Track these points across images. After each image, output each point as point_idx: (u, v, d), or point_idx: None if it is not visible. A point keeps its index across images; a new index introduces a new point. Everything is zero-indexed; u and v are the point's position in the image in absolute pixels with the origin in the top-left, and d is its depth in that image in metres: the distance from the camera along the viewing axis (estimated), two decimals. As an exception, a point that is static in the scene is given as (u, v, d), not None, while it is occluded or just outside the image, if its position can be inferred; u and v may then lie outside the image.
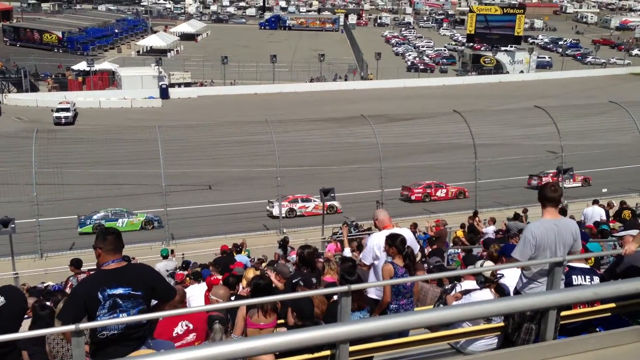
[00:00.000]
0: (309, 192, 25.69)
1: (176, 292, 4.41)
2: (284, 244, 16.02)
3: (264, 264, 13.29)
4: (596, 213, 15.03)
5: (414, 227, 15.92)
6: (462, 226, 17.03)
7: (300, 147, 30.90)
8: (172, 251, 17.48)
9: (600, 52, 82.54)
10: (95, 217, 25.02)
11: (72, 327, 3.56)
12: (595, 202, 17.01)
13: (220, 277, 9.11)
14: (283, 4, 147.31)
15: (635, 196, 24.15)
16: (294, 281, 6.51)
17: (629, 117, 26.87)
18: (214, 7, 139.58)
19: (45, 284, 14.78)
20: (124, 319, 3.98)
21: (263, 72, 62.88)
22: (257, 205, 25.99)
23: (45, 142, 24.39)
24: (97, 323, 3.96)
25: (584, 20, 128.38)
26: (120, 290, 4.04)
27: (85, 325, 3.78)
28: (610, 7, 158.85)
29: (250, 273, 8.31)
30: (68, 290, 10.47)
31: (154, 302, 4.33)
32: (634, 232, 6.24)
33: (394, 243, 5.98)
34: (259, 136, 27.20)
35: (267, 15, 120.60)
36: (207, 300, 6.91)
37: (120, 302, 4.02)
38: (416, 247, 7.13)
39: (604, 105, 30.78)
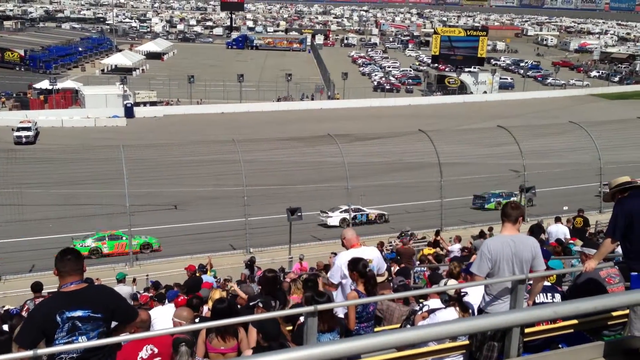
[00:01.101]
0: (275, 211, 25.56)
1: (138, 314, 4.30)
2: (250, 264, 15.87)
3: (230, 284, 13.14)
4: (560, 231, 15.23)
5: (380, 246, 15.97)
6: (429, 244, 17.16)
7: (267, 166, 30.83)
8: (134, 279, 17.10)
9: (560, 73, 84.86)
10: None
11: (29, 352, 3.45)
12: (558, 219, 17.29)
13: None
14: (250, 23, 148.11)
15: (595, 214, 24.71)
16: (251, 303, 6.44)
17: (588, 137, 27.61)
18: (180, 26, 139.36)
19: (3, 308, 14.32)
20: (83, 343, 3.87)
21: (230, 92, 62.79)
22: (224, 225, 25.75)
23: (5, 162, 23.85)
24: (54, 349, 3.84)
25: (545, 42, 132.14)
26: (79, 313, 3.93)
27: (43, 351, 3.66)
28: (569, 30, 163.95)
29: (217, 294, 8.19)
30: (24, 314, 10.15)
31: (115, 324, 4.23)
32: (591, 250, 6.36)
33: (356, 268, 5.95)
34: (225, 155, 27.06)
35: (235, 34, 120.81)
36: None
37: (80, 325, 3.92)
38: (383, 266, 7.14)
39: (564, 126, 31.59)
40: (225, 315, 5.60)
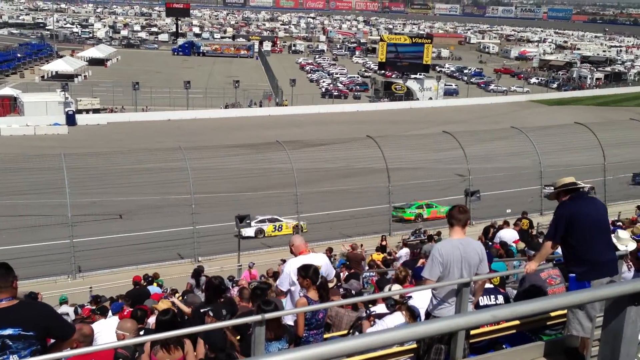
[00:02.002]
0: (224, 219, 25.27)
1: (74, 330, 4.14)
2: (197, 273, 15.61)
3: (177, 295, 12.89)
4: (510, 235, 15.59)
5: (329, 252, 16.00)
6: (378, 249, 17.30)
7: (215, 173, 30.45)
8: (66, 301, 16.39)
9: (501, 80, 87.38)
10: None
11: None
12: (507, 223, 17.77)
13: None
14: (197, 30, 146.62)
15: (536, 216, 25.50)
16: (202, 310, 6.32)
17: (529, 141, 28.50)
18: (124, 32, 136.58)
19: None
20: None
21: (176, 98, 61.86)
22: (171, 233, 25.29)
23: (-63, 172, 22.73)
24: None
25: (487, 50, 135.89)
26: (9, 331, 3.75)
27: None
28: (509, 38, 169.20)
29: (163, 305, 8.01)
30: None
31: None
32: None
33: (308, 274, 5.92)
34: (172, 163, 26.61)
35: (181, 41, 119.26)
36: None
37: (10, 344, 3.74)
38: (332, 272, 7.15)
39: (506, 131, 32.52)
40: (170, 326, 5.47)
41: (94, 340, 6.47)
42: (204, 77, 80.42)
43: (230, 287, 13.80)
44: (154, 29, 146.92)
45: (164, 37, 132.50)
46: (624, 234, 6.48)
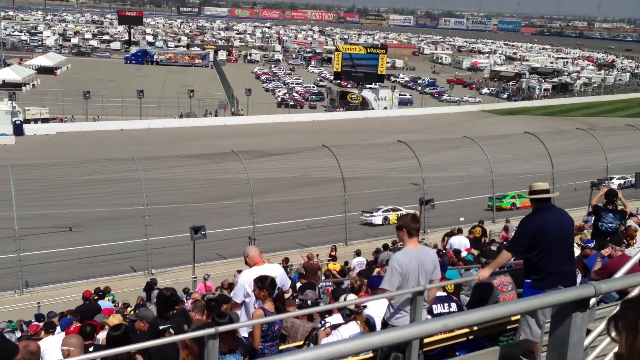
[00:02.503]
0: (178, 230, 24.86)
1: (17, 350, 3.97)
2: (149, 286, 15.28)
3: (129, 309, 12.58)
4: (462, 242, 15.82)
5: (285, 262, 15.92)
6: (333, 258, 17.31)
7: (169, 184, 29.98)
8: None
9: (454, 90, 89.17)
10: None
11: None
12: (460, 231, 18.03)
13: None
14: (150, 38, 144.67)
15: (488, 223, 25.99)
16: (161, 327, 6.16)
17: (481, 150, 29.10)
18: (75, 40, 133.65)
19: None
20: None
21: (129, 108, 60.77)
22: (124, 246, 24.73)
23: None
24: None
25: (440, 61, 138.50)
26: None
27: None
28: (461, 49, 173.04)
29: (115, 320, 7.80)
30: None
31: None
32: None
33: (264, 286, 5.86)
34: (124, 174, 26.06)
35: (133, 49, 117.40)
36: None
37: None
38: (287, 283, 7.10)
39: (459, 140, 33.11)
40: (121, 342, 5.32)
41: (40, 357, 6.24)
42: (158, 86, 79.33)
43: (185, 300, 13.57)
44: (106, 37, 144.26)
45: (116, 45, 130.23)
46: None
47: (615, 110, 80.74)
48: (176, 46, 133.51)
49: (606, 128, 45.40)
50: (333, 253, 18.79)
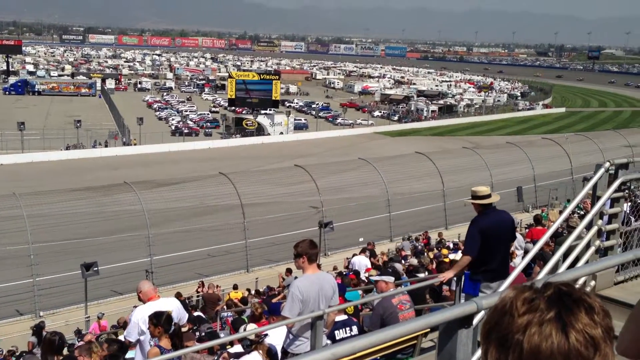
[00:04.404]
0: (69, 268, 23.44)
1: None
2: (38, 329, 14.23)
3: (14, 357, 11.61)
4: (362, 263, 16.00)
5: (180, 296, 15.40)
6: (235, 287, 17.00)
7: (57, 219, 28.25)
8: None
9: (347, 114, 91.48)
10: None
11: None
12: (363, 251, 18.31)
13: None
14: (31, 67, 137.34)
15: (386, 242, 26.69)
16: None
17: (376, 171, 29.95)
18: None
19: None
20: None
21: (9, 141, 57.01)
22: (7, 288, 22.91)
23: None
24: None
25: (332, 85, 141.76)
26: None
27: None
28: (352, 74, 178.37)
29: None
30: None
31: None
32: (388, 278, 6.75)
33: (160, 322, 5.60)
34: (5, 211, 24.26)
35: (12, 79, 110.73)
36: None
37: None
38: (184, 317, 6.83)
39: (354, 162, 33.93)
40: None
41: None
42: (41, 117, 75.24)
43: (76, 342, 12.77)
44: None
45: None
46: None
47: (496, 129, 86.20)
48: (60, 75, 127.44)
49: (489, 146, 48.33)
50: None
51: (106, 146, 63.69)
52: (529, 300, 1.29)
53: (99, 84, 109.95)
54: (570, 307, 1.27)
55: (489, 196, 6.28)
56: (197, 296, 18.97)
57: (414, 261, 13.88)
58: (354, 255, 18.16)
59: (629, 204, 6.07)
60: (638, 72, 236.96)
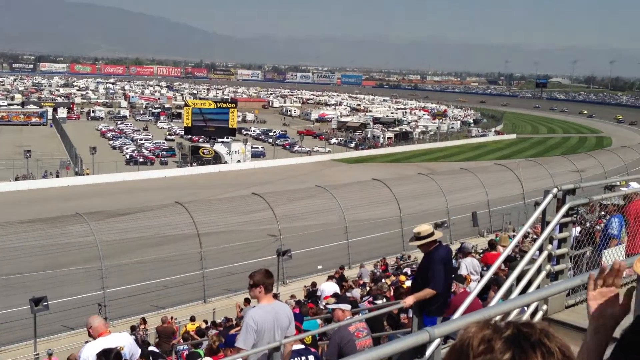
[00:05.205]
0: (17, 303, 22.55)
1: None
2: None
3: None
4: (332, 288, 15.95)
5: (132, 330, 15.00)
6: (192, 319, 16.65)
7: (4, 253, 27.21)
8: None
9: (305, 141, 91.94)
10: None
11: None
12: (330, 278, 18.28)
13: None
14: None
15: (346, 269, 26.64)
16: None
17: (333, 198, 30.05)
18: None
19: None
20: None
21: (-45, 172, 55.11)
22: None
23: None
24: None
25: (289, 113, 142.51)
26: None
27: None
28: (309, 102, 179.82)
29: None
30: None
31: None
32: (345, 306, 6.73)
33: (109, 360, 5.42)
34: (-52, 246, 23.33)
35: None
36: None
37: None
38: (137, 352, 6.63)
39: (312, 189, 33.97)
40: None
41: None
42: (-11, 148, 73.04)
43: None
44: None
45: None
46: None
47: (450, 155, 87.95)
48: (9, 104, 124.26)
49: (444, 172, 49.17)
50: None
51: (57, 176, 62.15)
52: (486, 340, 1.26)
53: (50, 113, 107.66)
54: (526, 351, 1.23)
55: (432, 234, 6.58)
56: (145, 332, 18.43)
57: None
58: (313, 283, 18.06)
59: (578, 228, 6.23)
60: (583, 99, 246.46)
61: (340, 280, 18.81)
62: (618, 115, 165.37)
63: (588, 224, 7.13)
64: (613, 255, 5.78)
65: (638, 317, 1.57)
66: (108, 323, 6.39)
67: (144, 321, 19.34)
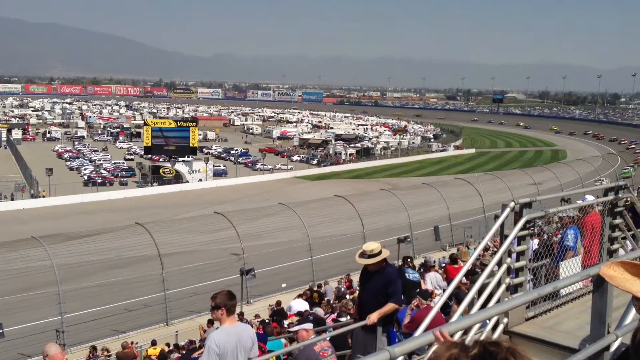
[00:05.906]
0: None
1: None
2: None
3: None
4: (301, 305, 15.92)
5: (95, 349, 14.61)
6: (153, 343, 16.30)
7: (-44, 280, 26.33)
8: None
9: (267, 159, 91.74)
10: None
11: None
12: (300, 295, 18.20)
13: None
14: None
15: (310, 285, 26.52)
16: None
17: (296, 216, 30.00)
18: None
19: None
20: None
21: None
22: None
23: None
24: None
25: (251, 131, 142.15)
26: None
27: None
28: (270, 119, 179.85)
29: None
30: None
31: None
32: (307, 325, 6.71)
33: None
34: None
35: None
36: None
37: None
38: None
39: (275, 207, 33.85)
40: None
41: None
42: (-60, 171, 70.63)
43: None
44: None
45: None
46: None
47: (412, 171, 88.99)
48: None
49: (406, 187, 49.69)
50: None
51: (12, 199, 60.44)
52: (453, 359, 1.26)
53: (4, 134, 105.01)
54: None
55: (380, 252, 6.70)
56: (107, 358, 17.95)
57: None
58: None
59: (537, 240, 6.35)
60: (538, 114, 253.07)
61: (312, 298, 18.70)
62: (553, 126, 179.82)
63: (546, 236, 7.27)
64: (570, 267, 5.91)
65: None
66: (65, 350, 6.19)
67: (94, 349, 18.75)
